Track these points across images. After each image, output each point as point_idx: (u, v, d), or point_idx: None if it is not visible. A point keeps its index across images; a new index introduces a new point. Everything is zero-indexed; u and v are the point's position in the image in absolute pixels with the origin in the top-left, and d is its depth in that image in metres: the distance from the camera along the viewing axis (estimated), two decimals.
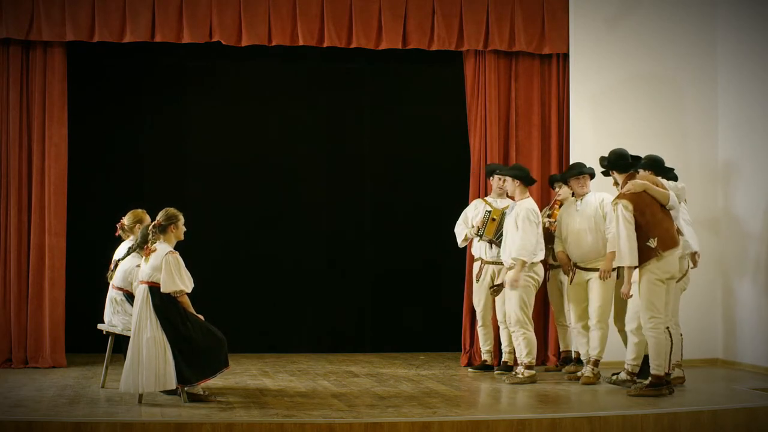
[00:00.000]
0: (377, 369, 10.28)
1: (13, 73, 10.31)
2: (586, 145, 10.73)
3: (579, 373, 9.62)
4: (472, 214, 10.27)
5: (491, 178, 10.36)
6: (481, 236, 10.04)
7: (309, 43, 10.62)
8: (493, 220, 9.93)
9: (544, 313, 10.88)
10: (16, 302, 10.26)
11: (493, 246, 10.03)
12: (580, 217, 9.61)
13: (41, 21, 10.20)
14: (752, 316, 10.60)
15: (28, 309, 10.27)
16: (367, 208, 12.20)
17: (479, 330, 10.41)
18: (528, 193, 9.61)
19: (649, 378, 8.73)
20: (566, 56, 11.00)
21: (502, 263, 9.95)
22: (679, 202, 9.12)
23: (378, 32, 10.70)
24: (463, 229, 10.27)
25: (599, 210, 9.54)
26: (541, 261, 9.56)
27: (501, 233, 9.82)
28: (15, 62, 10.32)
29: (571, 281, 9.64)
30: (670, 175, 9.42)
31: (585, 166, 9.81)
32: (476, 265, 10.30)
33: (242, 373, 9.89)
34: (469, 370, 10.45)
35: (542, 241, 9.50)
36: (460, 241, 10.31)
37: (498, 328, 10.26)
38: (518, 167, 9.79)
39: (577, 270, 9.61)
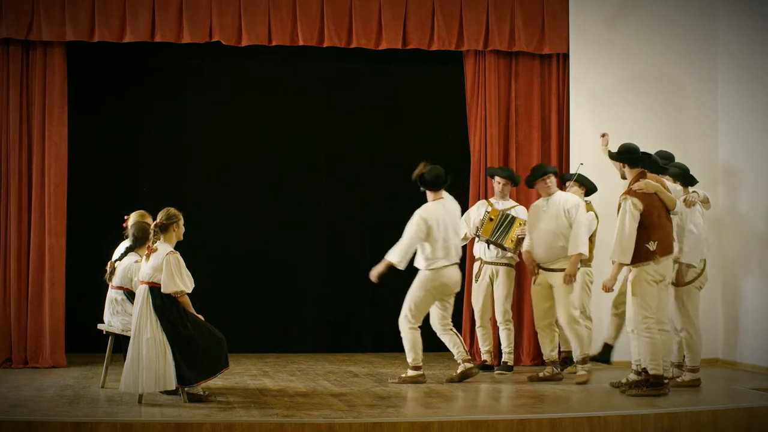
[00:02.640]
0: (377, 369, 10.28)
1: (13, 73, 10.32)
2: (586, 145, 10.74)
3: (541, 374, 9.65)
4: (475, 214, 10.26)
5: (493, 179, 10.37)
6: (478, 236, 10.05)
7: (309, 43, 10.63)
8: (491, 220, 9.93)
9: None
10: (16, 302, 10.27)
11: (491, 246, 10.03)
12: (546, 217, 9.60)
13: (41, 21, 10.21)
14: (752, 316, 10.60)
15: (28, 309, 10.27)
16: (367, 208, 12.20)
17: (478, 330, 10.40)
18: (441, 195, 9.49)
19: (648, 378, 8.75)
20: (566, 56, 11.01)
21: (500, 264, 9.98)
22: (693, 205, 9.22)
23: (378, 32, 10.72)
24: (463, 228, 10.27)
25: (562, 211, 9.50)
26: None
27: (497, 234, 9.86)
28: (15, 62, 10.32)
29: (535, 281, 9.66)
30: (692, 181, 9.39)
31: (548, 166, 9.83)
32: (476, 265, 10.30)
33: (242, 373, 9.89)
34: None
35: (446, 247, 9.35)
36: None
37: (497, 328, 10.27)
38: (432, 168, 9.63)
39: (540, 270, 9.61)
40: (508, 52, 10.99)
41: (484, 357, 10.39)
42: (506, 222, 9.90)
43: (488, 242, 10.02)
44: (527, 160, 10.89)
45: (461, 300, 10.89)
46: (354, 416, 7.66)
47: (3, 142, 10.32)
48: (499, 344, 10.30)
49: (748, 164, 10.76)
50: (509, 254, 10.08)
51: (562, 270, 9.46)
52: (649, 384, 8.69)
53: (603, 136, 9.85)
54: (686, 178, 9.45)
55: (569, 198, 9.59)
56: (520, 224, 9.91)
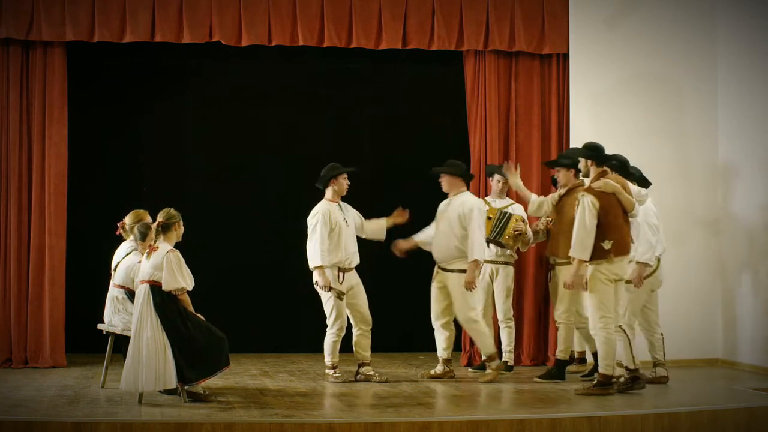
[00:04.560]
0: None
1: (13, 73, 10.31)
2: None
3: (433, 372, 9.75)
4: None
5: (491, 178, 10.37)
6: None
7: (309, 43, 10.63)
8: (489, 218, 9.94)
9: (544, 313, 10.89)
10: (16, 302, 10.27)
11: (491, 245, 10.03)
12: (445, 217, 9.66)
13: (41, 21, 10.20)
14: (752, 316, 10.60)
15: (28, 309, 10.27)
16: (367, 208, 12.17)
17: None
18: (329, 196, 9.62)
19: (596, 377, 8.79)
20: (566, 56, 11.01)
21: (499, 262, 9.99)
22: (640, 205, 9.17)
23: (378, 32, 10.72)
24: None
25: (458, 215, 9.54)
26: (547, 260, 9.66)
27: (497, 232, 9.86)
28: (15, 62, 10.32)
29: (433, 279, 9.75)
30: (633, 177, 9.36)
31: (459, 167, 9.78)
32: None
33: (242, 373, 9.90)
34: (469, 370, 10.46)
35: (332, 244, 9.48)
36: None
37: (498, 327, 10.27)
38: (328, 168, 9.69)
39: (438, 270, 9.68)
40: (508, 52, 10.99)
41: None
42: (504, 219, 9.90)
43: (488, 241, 10.01)
44: (527, 160, 10.89)
45: None
46: (354, 416, 7.66)
47: (3, 142, 10.32)
48: (500, 343, 10.29)
49: (748, 164, 10.76)
50: (508, 252, 10.08)
51: (458, 271, 9.51)
52: (597, 383, 8.70)
53: (509, 164, 9.92)
54: (642, 181, 9.42)
55: (467, 201, 9.59)
56: (516, 220, 9.92)
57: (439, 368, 9.79)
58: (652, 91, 11.08)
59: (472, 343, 10.84)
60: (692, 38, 11.17)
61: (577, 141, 10.87)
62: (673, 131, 11.07)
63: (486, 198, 10.39)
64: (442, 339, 9.78)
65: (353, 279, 9.58)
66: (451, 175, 9.69)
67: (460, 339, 10.96)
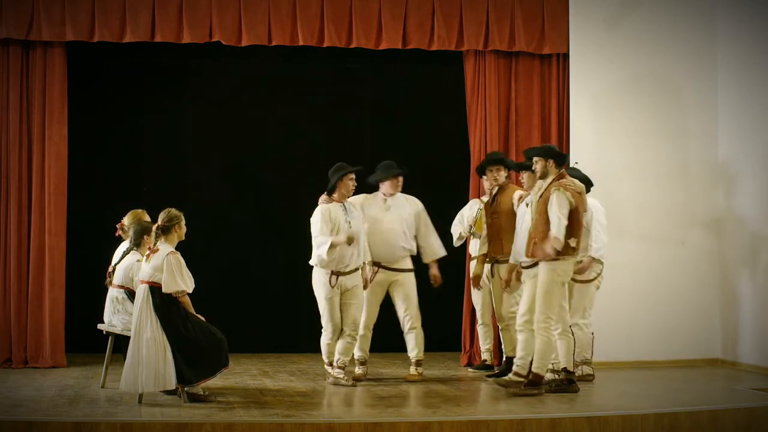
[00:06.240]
0: (377, 369, 10.27)
1: (13, 73, 10.31)
2: (586, 145, 10.74)
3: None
4: (468, 213, 10.26)
5: (483, 177, 10.36)
6: (473, 234, 10.06)
7: (309, 43, 10.63)
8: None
9: None
10: (16, 302, 10.27)
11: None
12: (391, 215, 9.62)
13: (41, 21, 10.21)
14: (752, 316, 10.60)
15: (28, 309, 10.27)
16: None
17: (479, 329, 10.42)
18: (335, 196, 9.53)
19: (529, 376, 8.77)
20: (566, 56, 11.01)
21: (497, 261, 10.01)
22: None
23: (378, 32, 10.72)
24: (458, 228, 10.26)
25: (412, 213, 9.58)
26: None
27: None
28: (15, 62, 10.32)
29: (371, 280, 9.59)
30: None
31: (395, 166, 9.81)
32: (473, 264, 10.30)
33: (242, 373, 9.90)
34: (469, 370, 10.47)
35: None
36: (454, 239, 10.27)
37: (498, 327, 10.27)
38: (334, 169, 9.66)
39: (380, 269, 9.59)
40: (508, 52, 10.99)
41: (484, 356, 10.40)
42: None
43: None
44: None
45: (461, 299, 10.90)
46: (354, 416, 7.66)
47: (3, 142, 10.32)
48: (500, 343, 10.29)
49: (748, 164, 10.76)
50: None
51: (409, 270, 9.57)
52: (529, 382, 8.70)
53: None
54: (585, 182, 9.42)
55: (414, 200, 9.70)
56: None
57: (360, 370, 9.68)
58: (652, 91, 11.08)
59: (472, 343, 10.85)
60: (692, 38, 11.16)
61: (577, 141, 10.88)
62: (673, 131, 11.07)
63: (482, 197, 10.35)
64: (366, 342, 9.71)
65: (350, 282, 9.40)
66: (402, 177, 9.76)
67: (460, 338, 10.97)
